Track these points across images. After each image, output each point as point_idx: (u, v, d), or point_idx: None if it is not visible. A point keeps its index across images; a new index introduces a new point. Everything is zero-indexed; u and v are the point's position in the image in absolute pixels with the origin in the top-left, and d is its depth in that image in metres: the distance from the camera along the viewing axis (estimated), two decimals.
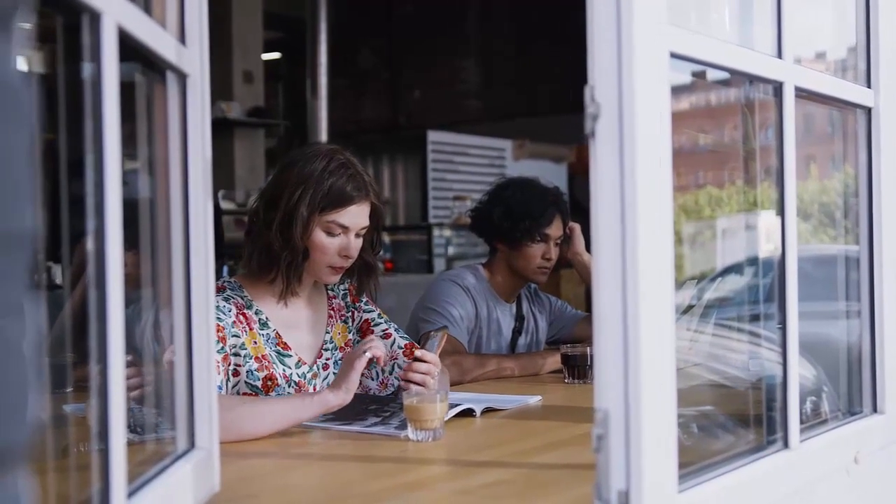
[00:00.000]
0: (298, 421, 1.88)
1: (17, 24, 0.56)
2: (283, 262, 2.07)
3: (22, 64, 0.57)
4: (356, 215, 2.10)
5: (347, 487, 1.54)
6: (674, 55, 1.18)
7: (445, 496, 1.48)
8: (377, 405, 2.07)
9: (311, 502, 1.51)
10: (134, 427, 1.26)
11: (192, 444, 1.31)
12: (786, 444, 1.45)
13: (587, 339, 2.86)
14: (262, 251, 2.10)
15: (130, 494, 1.02)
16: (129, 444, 1.00)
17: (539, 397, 2.30)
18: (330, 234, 2.09)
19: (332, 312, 2.27)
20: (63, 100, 1.03)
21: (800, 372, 1.49)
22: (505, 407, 2.16)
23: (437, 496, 1.49)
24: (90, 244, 0.95)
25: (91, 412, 1.34)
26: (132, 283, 1.13)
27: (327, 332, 2.23)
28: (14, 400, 0.52)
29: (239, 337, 2.05)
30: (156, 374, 1.45)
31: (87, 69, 0.96)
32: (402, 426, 1.85)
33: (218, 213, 4.30)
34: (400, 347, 2.26)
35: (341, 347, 2.25)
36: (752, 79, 1.49)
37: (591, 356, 2.58)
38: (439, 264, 6.93)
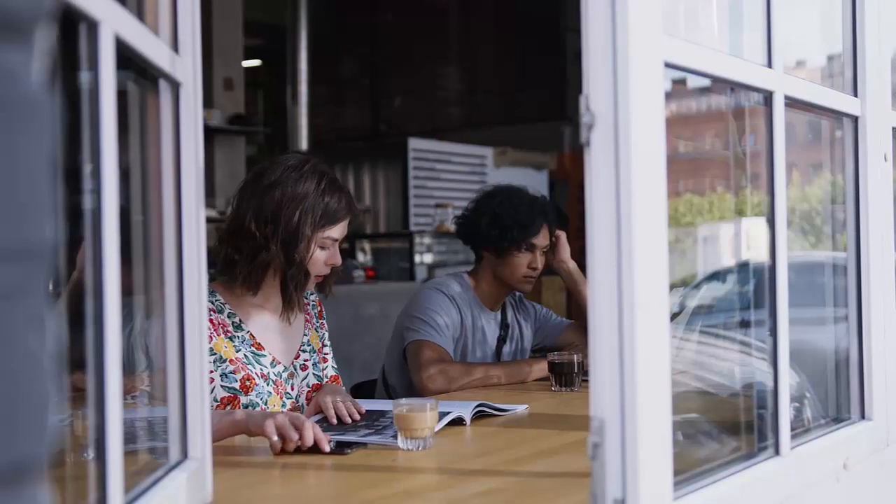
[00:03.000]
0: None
1: (37, 37, 0.56)
2: (290, 280, 2.15)
3: (42, 76, 0.57)
4: (345, 228, 2.24)
5: (339, 497, 1.53)
6: (668, 65, 1.19)
7: None
8: (367, 420, 2.06)
9: None
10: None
11: (185, 454, 1.30)
12: (777, 451, 1.45)
13: (572, 347, 2.86)
14: (259, 269, 2.14)
15: None
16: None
17: (525, 406, 2.30)
18: (323, 248, 2.20)
19: (307, 317, 2.35)
20: (57, 108, 1.02)
21: None
22: (495, 411, 2.16)
23: None
24: (88, 253, 0.94)
25: (78, 422, 1.33)
26: (123, 291, 1.12)
27: (305, 335, 2.31)
28: (35, 412, 0.52)
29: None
30: (148, 383, 1.44)
31: (83, 77, 0.95)
32: (397, 436, 1.84)
33: None
34: (327, 377, 2.35)
35: (318, 351, 2.34)
36: (744, 88, 1.49)
37: (578, 364, 2.58)
38: (421, 272, 6.91)
